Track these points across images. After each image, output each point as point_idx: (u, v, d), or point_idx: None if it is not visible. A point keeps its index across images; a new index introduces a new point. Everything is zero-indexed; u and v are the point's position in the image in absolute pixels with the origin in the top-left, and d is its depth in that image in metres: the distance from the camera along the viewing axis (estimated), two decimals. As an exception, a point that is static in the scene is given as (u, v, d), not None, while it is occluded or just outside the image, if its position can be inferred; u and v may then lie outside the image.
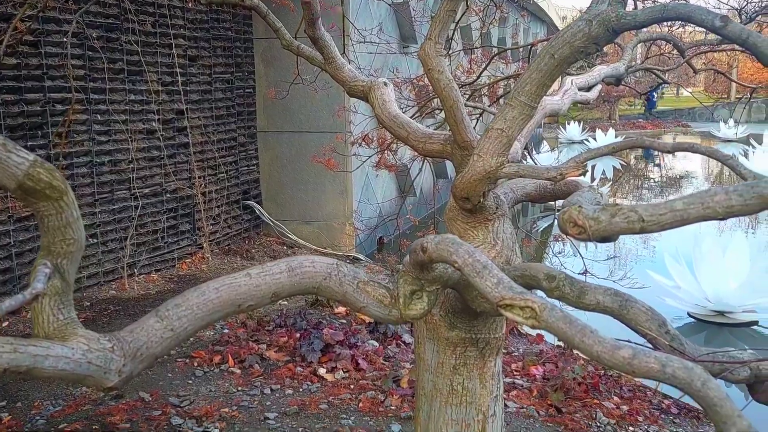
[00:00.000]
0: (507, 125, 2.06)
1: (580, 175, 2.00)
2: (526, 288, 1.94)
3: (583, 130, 21.68)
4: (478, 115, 4.38)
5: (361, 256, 7.95)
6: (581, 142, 20.90)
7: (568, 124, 21.91)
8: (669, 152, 1.89)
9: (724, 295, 5.77)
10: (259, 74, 8.57)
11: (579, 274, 4.55)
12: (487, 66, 4.55)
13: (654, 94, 27.29)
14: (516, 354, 4.83)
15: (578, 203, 1.87)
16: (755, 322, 5.89)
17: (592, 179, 11.82)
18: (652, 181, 17.37)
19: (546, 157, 14.95)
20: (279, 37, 3.21)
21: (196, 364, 4.39)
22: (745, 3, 3.97)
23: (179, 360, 4.46)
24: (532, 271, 1.85)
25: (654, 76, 4.98)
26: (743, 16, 4.02)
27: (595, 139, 19.09)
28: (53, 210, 1.37)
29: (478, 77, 4.50)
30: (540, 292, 1.73)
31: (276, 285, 1.67)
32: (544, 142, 18.28)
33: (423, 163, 4.62)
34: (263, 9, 3.17)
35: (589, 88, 3.06)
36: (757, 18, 4.21)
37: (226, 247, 7.91)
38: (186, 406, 3.75)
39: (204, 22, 7.66)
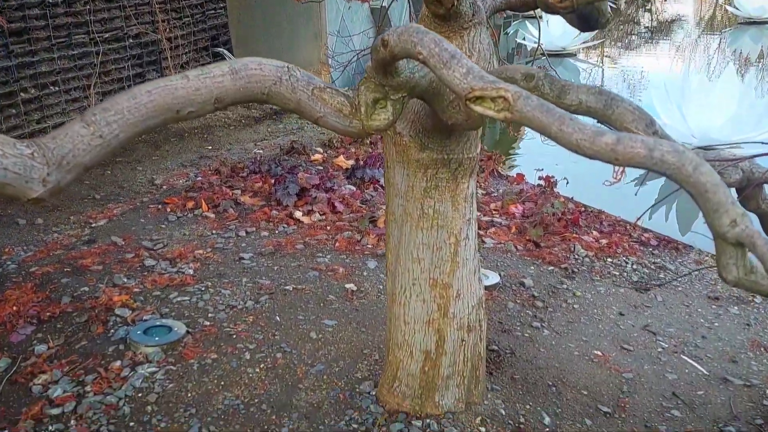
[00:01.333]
0: None
1: (566, -34, 1.75)
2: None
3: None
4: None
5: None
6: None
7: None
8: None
9: (710, 130, 5.65)
10: None
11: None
12: None
13: None
14: (495, 194, 4.76)
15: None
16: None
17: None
18: (642, 26, 16.74)
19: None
20: None
21: (169, 209, 4.28)
22: None
23: (151, 206, 4.35)
24: (509, 72, 1.67)
25: None
26: None
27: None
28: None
29: None
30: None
31: (218, 89, 1.47)
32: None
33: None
34: None
35: None
36: None
37: (198, 97, 7.57)
38: (159, 249, 3.68)
39: None
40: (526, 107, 1.21)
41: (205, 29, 7.79)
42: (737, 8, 13.16)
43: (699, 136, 5.76)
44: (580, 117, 1.63)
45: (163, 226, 4.05)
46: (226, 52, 8.04)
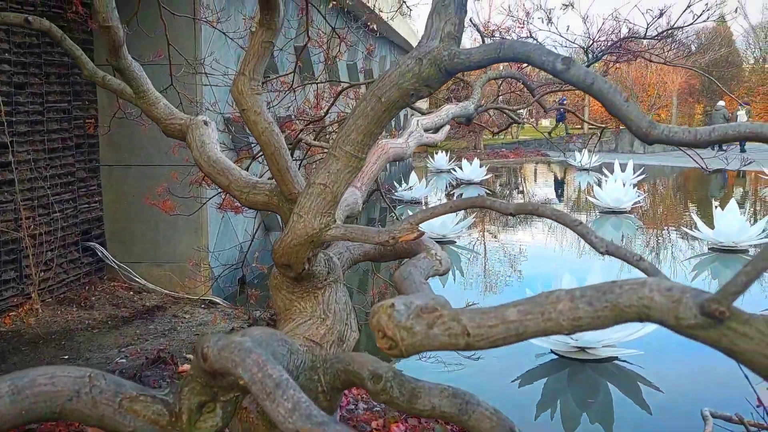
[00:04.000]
0: (331, 179, 1.72)
1: (415, 238, 1.68)
2: (350, 386, 1.58)
3: (450, 159, 22.19)
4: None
5: (218, 300, 7.35)
6: (449, 171, 21.43)
7: (436, 153, 22.34)
8: (511, 214, 1.62)
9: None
10: (102, 104, 7.78)
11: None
12: (335, 101, 4.21)
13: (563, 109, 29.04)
14: (377, 410, 4.48)
15: (408, 276, 1.55)
16: (615, 358, 5.94)
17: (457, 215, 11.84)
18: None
19: (418, 189, 15.07)
20: (80, 65, 2.71)
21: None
22: (591, 42, 3.92)
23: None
24: (356, 365, 1.49)
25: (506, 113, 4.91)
26: (589, 55, 3.97)
27: (461, 168, 19.55)
28: None
29: (326, 114, 4.17)
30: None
31: (-10, 416, 1.18)
32: (413, 172, 18.45)
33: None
34: (57, 33, 2.65)
35: (436, 129, 2.81)
36: (604, 57, 4.21)
37: (62, 296, 7.01)
38: None
39: (34, 46, 6.83)
40: (359, 461, 1.01)
41: (76, 224, 7.43)
42: (597, 198, 14.38)
43: (575, 335, 5.86)
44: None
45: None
46: (98, 246, 7.66)
